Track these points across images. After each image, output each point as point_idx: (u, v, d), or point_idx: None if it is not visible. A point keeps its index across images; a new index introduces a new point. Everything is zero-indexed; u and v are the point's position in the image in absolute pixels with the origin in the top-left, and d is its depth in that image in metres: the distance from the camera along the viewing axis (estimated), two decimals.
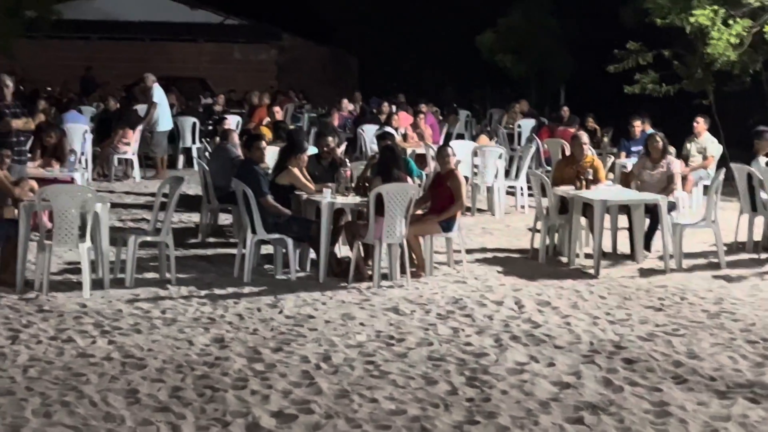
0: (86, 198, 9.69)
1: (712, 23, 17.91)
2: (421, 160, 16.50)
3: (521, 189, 15.82)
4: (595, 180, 11.95)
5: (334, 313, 9.13)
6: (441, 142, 18.27)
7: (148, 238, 10.38)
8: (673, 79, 19.98)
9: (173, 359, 7.60)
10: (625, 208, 12.02)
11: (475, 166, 15.71)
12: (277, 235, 10.50)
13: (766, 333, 8.61)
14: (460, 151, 15.29)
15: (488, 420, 6.43)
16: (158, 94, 19.19)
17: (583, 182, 11.72)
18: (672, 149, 13.13)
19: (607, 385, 7.17)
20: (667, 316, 9.22)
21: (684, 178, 14.40)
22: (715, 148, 15.67)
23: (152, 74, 19.68)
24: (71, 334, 8.26)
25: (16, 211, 10.52)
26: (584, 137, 12.65)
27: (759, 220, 12.56)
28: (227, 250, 11.91)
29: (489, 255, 12.16)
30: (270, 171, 11.52)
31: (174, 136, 20.44)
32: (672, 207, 11.98)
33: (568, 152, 14.33)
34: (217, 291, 9.89)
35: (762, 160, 12.93)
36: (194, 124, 20.95)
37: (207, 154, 14.85)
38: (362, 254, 10.62)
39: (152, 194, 14.54)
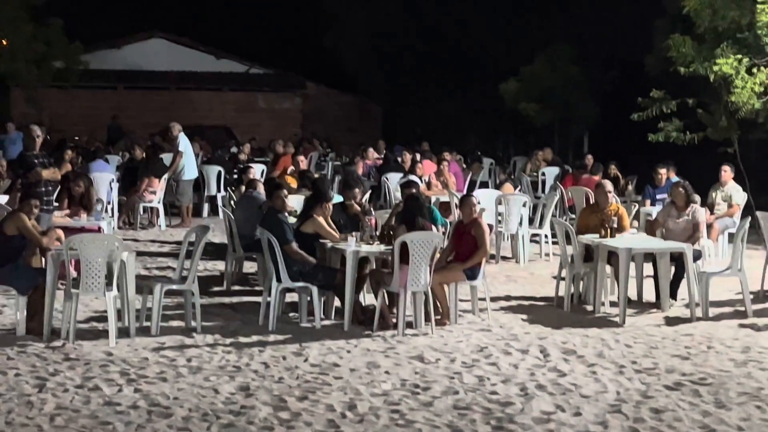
0: (113, 247, 9.75)
1: (736, 72, 17.92)
2: (445, 208, 16.54)
3: (545, 237, 15.80)
4: (620, 228, 11.94)
5: (359, 361, 9.13)
6: (465, 190, 18.33)
7: (174, 287, 10.43)
8: (697, 127, 19.97)
9: (199, 408, 7.61)
10: (651, 256, 11.99)
11: (500, 214, 15.73)
12: (302, 284, 10.53)
13: None
14: (485, 199, 15.34)
15: None
16: (184, 143, 19.33)
17: (608, 230, 11.72)
18: (697, 197, 13.11)
19: None
20: (694, 365, 9.17)
21: (709, 227, 14.38)
22: (740, 197, 15.65)
23: (178, 123, 19.86)
24: (98, 382, 8.29)
25: (43, 260, 10.63)
26: (608, 185, 12.66)
27: None
28: (252, 299, 11.94)
29: (514, 303, 12.15)
30: (296, 215, 11.59)
31: (199, 184, 20.58)
32: (698, 255, 11.94)
33: (592, 200, 14.33)
34: (243, 339, 9.90)
35: None
36: (219, 172, 21.09)
37: (232, 202, 14.93)
38: (387, 302, 10.63)
39: (178, 242, 14.65)
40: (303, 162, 19.22)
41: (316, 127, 36.59)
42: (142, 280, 11.05)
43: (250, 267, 13.72)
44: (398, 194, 16.24)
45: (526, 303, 12.20)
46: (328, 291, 10.83)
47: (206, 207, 20.89)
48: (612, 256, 11.62)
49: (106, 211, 16.09)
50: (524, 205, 15.78)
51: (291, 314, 11.06)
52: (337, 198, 12.85)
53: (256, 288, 12.62)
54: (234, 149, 27.25)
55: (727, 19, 18.34)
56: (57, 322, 10.02)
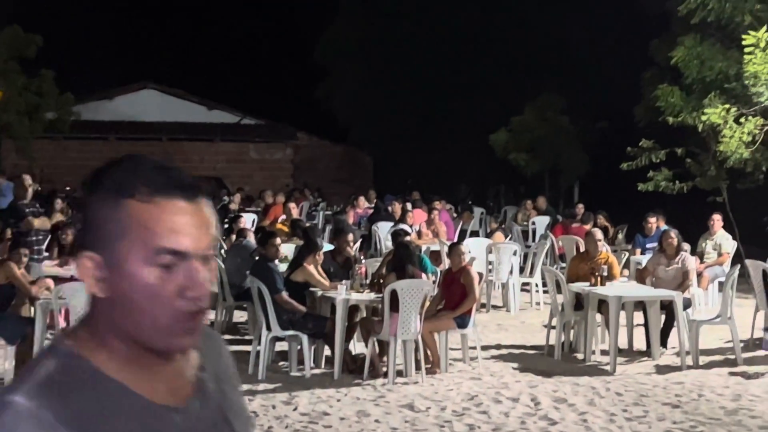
0: None
1: (725, 122, 18.05)
2: (435, 256, 16.54)
3: (536, 285, 15.81)
4: (610, 276, 11.97)
5: (349, 410, 9.09)
6: (455, 239, 18.33)
7: None
8: (686, 177, 20.08)
9: None
10: (641, 305, 12.01)
11: (490, 263, 15.74)
12: (292, 332, 10.52)
13: None
14: (475, 247, 15.37)
15: None
16: None
17: (598, 278, 11.75)
18: (686, 246, 13.16)
19: None
20: (684, 413, 9.15)
21: (699, 275, 14.40)
22: (730, 245, 15.70)
23: None
24: None
25: (32, 309, 10.60)
26: (598, 234, 12.72)
27: None
28: (242, 347, 11.89)
29: (504, 351, 12.13)
30: (287, 261, 11.60)
31: None
32: (687, 303, 11.96)
33: (582, 249, 14.36)
34: None
35: None
36: None
37: (222, 251, 14.93)
38: (377, 350, 10.62)
39: None
40: (294, 210, 19.24)
41: (308, 178, 36.68)
42: None
43: (240, 316, 13.69)
44: (388, 243, 16.25)
45: (516, 351, 12.18)
46: (318, 339, 10.82)
47: None
48: (602, 305, 11.63)
49: None
50: (515, 254, 15.81)
51: (281, 363, 11.03)
52: (328, 246, 12.85)
53: (246, 337, 12.59)
54: (225, 199, 27.28)
55: (714, 70, 18.53)
56: None
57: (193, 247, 1.75)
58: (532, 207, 23.18)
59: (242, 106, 40.57)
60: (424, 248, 16.34)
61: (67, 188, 28.00)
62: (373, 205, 23.70)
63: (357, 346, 11.29)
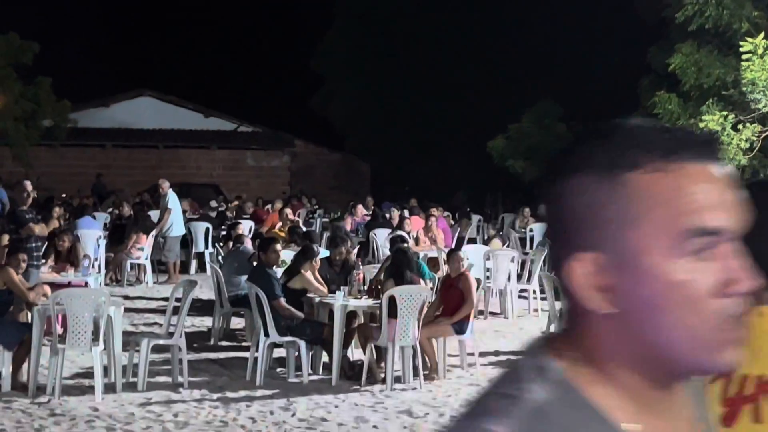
0: (100, 301, 9.70)
1: (722, 128, 18.05)
2: (433, 263, 16.51)
3: (534, 292, 15.79)
4: None
5: (347, 415, 9.06)
6: (453, 246, 18.30)
7: (161, 342, 10.37)
8: None
9: None
10: None
11: (488, 270, 15.72)
12: (289, 338, 10.49)
13: None
14: (473, 254, 15.35)
15: None
16: (173, 200, 19.37)
17: None
18: None
19: None
20: None
21: None
22: None
23: (167, 180, 19.92)
24: None
25: (29, 315, 10.57)
26: None
27: None
28: (240, 354, 11.87)
29: (503, 357, 12.10)
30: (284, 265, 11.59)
31: (187, 241, 20.54)
32: None
33: None
34: (230, 394, 9.83)
35: None
36: (207, 229, 21.07)
37: (220, 258, 14.91)
38: (375, 357, 10.58)
39: (165, 299, 14.57)
40: (290, 214, 19.24)
41: (305, 185, 36.70)
42: (129, 336, 10.99)
43: (237, 323, 13.65)
44: (386, 250, 16.24)
45: (515, 358, 12.12)
46: (316, 345, 10.79)
47: (194, 264, 20.84)
48: None
49: (93, 266, 16.01)
50: (512, 261, 15.79)
51: (278, 369, 11.00)
52: (324, 253, 12.83)
53: (244, 344, 12.56)
54: (221, 207, 27.29)
55: (712, 77, 18.53)
56: (42, 378, 9.93)
57: (730, 224, 1.30)
58: (530, 214, 23.18)
59: (239, 113, 40.60)
60: (421, 255, 16.31)
61: (63, 195, 27.98)
62: (370, 213, 23.70)
63: (355, 353, 11.25)
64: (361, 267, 12.06)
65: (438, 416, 9.09)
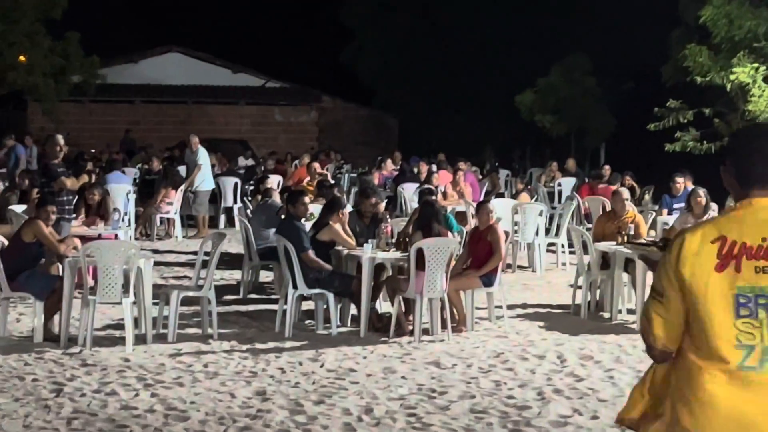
0: (130, 254, 9.78)
1: (753, 81, 17.91)
2: (460, 217, 16.51)
3: (562, 246, 15.76)
4: (637, 235, 11.90)
5: (376, 366, 9.12)
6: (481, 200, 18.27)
7: (191, 294, 10.45)
8: (714, 137, 19.95)
9: (215, 411, 7.61)
10: None
11: (516, 224, 15.70)
12: (318, 291, 10.53)
13: None
14: (500, 208, 15.31)
15: None
16: (203, 155, 19.45)
17: (625, 238, 11.68)
18: (714, 206, 13.06)
19: None
20: None
21: None
22: None
23: (196, 136, 19.99)
24: (114, 387, 8.30)
25: (60, 267, 10.67)
26: (625, 193, 12.63)
27: None
28: (268, 306, 11.94)
29: (530, 311, 12.11)
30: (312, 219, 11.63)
31: (216, 196, 20.63)
32: None
33: (608, 210, 14.29)
34: (259, 345, 9.91)
35: None
36: (236, 184, 21.14)
37: (248, 211, 14.97)
38: (403, 309, 10.62)
39: (194, 253, 14.67)
40: (318, 168, 19.26)
41: (332, 141, 36.68)
42: (158, 289, 11.07)
43: (266, 276, 13.73)
44: (414, 204, 16.23)
45: (542, 311, 12.17)
46: (345, 298, 10.83)
47: (222, 218, 20.93)
48: (629, 264, 11.58)
49: (123, 220, 16.12)
50: (540, 214, 15.76)
51: (307, 321, 11.06)
52: (350, 208, 12.86)
53: (273, 297, 12.63)
54: (250, 162, 27.33)
55: (743, 29, 18.36)
56: (74, 330, 10.05)
57: None
58: (558, 169, 23.09)
59: (267, 69, 40.56)
60: (449, 209, 16.31)
61: (93, 150, 28.11)
62: (398, 167, 23.68)
63: (383, 305, 11.30)
64: (389, 220, 12.06)
65: (466, 367, 9.13)
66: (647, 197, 18.76)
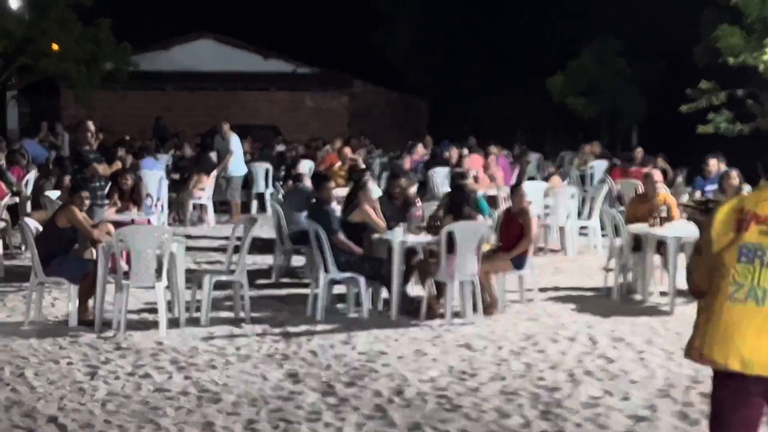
0: (163, 238, 9.86)
1: None
2: (492, 201, 16.48)
3: (594, 229, 15.72)
4: (669, 217, 11.85)
5: (407, 349, 9.15)
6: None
7: (223, 278, 10.51)
8: (747, 118, 19.80)
9: (248, 393, 7.68)
10: None
11: (547, 207, 15.66)
12: (349, 274, 10.57)
13: None
14: (532, 191, 15.27)
15: None
16: (235, 141, 19.54)
17: (657, 220, 11.63)
18: (747, 187, 12.98)
19: (684, 418, 7.09)
20: None
21: None
22: None
23: (227, 122, 20.08)
24: (148, 370, 8.39)
25: (94, 252, 10.76)
26: (657, 175, 12.59)
27: None
28: (300, 291, 11.99)
29: (562, 293, 12.10)
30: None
31: (248, 182, 20.71)
32: None
33: (641, 192, 14.23)
34: (291, 329, 9.97)
35: None
36: (267, 170, 21.22)
37: (280, 196, 15.02)
38: (434, 292, 10.64)
39: (227, 238, 14.74)
40: (349, 152, 19.31)
41: (364, 125, 36.68)
42: (191, 273, 11.14)
43: (298, 261, 13.79)
44: (445, 188, 16.22)
45: (574, 293, 12.16)
46: (376, 281, 10.87)
47: (255, 204, 21.01)
48: (661, 246, 11.54)
49: (156, 206, 16.22)
50: (572, 197, 15.71)
51: (338, 305, 11.10)
52: (380, 192, 12.88)
53: (304, 281, 12.67)
54: (281, 147, 27.38)
55: None
56: (108, 315, 10.14)
57: None
58: (590, 151, 22.99)
59: (298, 54, 40.59)
60: (480, 193, 16.28)
61: (127, 137, 28.24)
62: (429, 152, 23.66)
63: (414, 289, 11.33)
64: (420, 203, 12.08)
65: (497, 349, 9.15)
66: (680, 179, 18.66)
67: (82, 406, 7.38)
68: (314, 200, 11.74)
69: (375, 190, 12.96)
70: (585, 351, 9.12)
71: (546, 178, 20.01)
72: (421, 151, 23.02)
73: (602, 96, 27.75)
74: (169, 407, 7.33)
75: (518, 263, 10.84)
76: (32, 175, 17.38)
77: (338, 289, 11.27)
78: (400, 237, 10.64)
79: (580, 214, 16.20)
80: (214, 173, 19.20)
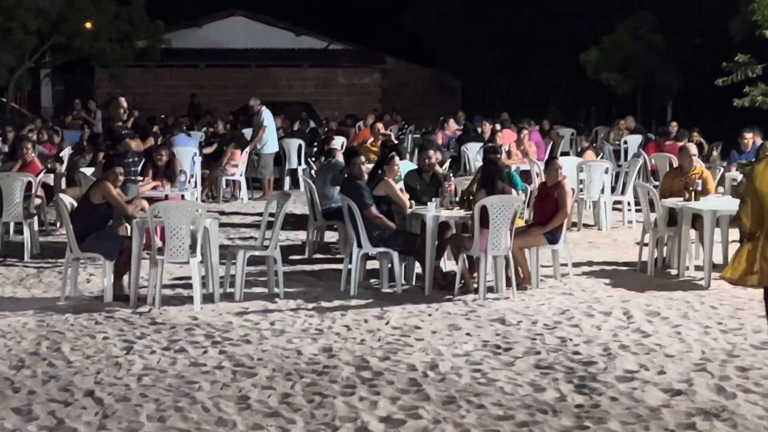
0: (196, 214, 9.88)
1: None
2: (525, 176, 16.40)
3: (628, 204, 15.62)
4: (704, 191, 11.76)
5: (441, 323, 9.14)
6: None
7: (257, 253, 10.54)
8: None
9: (282, 367, 7.70)
10: None
11: (581, 182, 15.58)
12: (382, 249, 10.57)
13: None
14: (566, 166, 15.17)
15: (598, 425, 6.37)
16: (267, 117, 19.54)
17: (692, 193, 11.53)
18: None
19: (720, 392, 7.04)
20: None
21: None
22: None
23: (258, 98, 20.07)
24: (183, 344, 8.43)
25: (128, 227, 10.82)
26: (692, 148, 12.47)
27: None
28: (334, 266, 12.01)
29: (596, 268, 12.04)
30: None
31: (280, 158, 20.73)
32: None
33: (676, 165, 14.12)
34: (325, 304, 9.98)
35: None
36: (300, 146, 21.23)
37: (313, 172, 15.03)
38: (468, 267, 10.61)
39: (259, 214, 14.78)
40: (382, 128, 19.28)
41: (396, 102, 36.61)
42: (224, 249, 11.17)
43: (331, 236, 13.80)
44: (478, 164, 16.16)
45: (608, 268, 12.08)
46: (409, 256, 10.86)
47: (287, 180, 21.04)
48: (696, 220, 11.44)
49: (189, 182, 16.26)
50: (606, 172, 15.62)
51: (372, 280, 11.10)
52: (410, 166, 12.85)
53: (338, 256, 12.68)
54: (313, 124, 27.39)
55: None
56: (143, 290, 10.19)
57: None
58: (625, 126, 22.84)
59: (330, 31, 40.53)
60: (513, 168, 16.21)
61: (163, 116, 28.34)
62: (461, 127, 23.58)
63: (447, 264, 11.31)
64: (453, 178, 12.04)
65: (531, 324, 9.12)
66: (715, 153, 18.50)
67: (118, 380, 7.43)
68: (346, 175, 11.74)
69: (406, 165, 12.92)
70: (620, 325, 9.07)
71: (580, 153, 19.91)
72: (453, 127, 22.94)
73: (637, 71, 27.51)
74: (205, 381, 7.36)
75: (552, 238, 10.78)
76: (66, 152, 17.48)
77: (372, 264, 11.26)
78: (432, 212, 10.62)
79: (614, 189, 16.10)
80: (248, 149, 19.22)
